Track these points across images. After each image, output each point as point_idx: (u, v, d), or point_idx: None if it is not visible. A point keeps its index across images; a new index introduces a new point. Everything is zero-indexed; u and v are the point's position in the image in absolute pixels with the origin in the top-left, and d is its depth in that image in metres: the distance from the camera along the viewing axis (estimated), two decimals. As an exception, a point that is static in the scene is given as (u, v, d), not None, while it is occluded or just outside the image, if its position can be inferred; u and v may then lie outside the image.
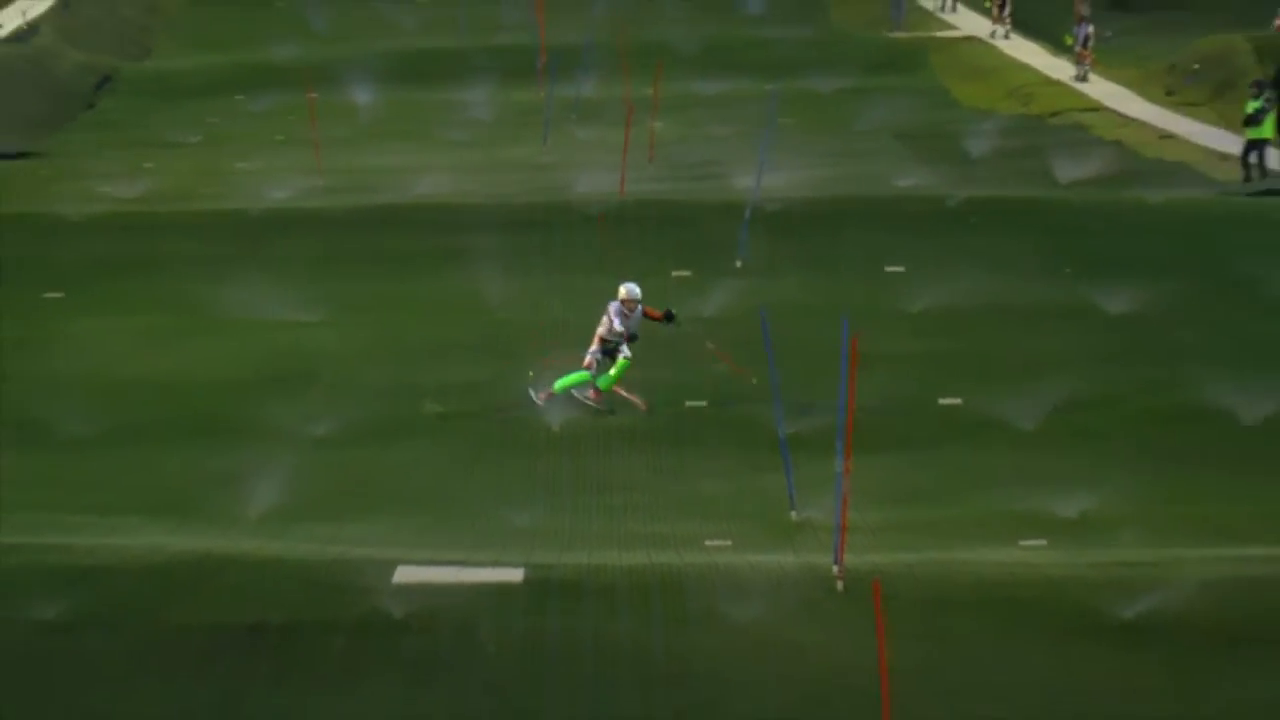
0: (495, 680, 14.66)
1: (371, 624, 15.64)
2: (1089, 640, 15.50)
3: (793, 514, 19.52)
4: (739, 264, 29.14)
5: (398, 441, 22.84)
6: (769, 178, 32.35)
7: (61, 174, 38.79)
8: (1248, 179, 34.54)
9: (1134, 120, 41.61)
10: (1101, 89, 44.46)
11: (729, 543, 18.83)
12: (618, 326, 21.69)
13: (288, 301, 27.39)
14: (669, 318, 22.71)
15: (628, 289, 21.75)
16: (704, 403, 23.67)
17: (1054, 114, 43.07)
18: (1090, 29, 46.25)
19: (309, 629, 15.66)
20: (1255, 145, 34.64)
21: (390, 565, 16.85)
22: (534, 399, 21.79)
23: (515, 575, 16.56)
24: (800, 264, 29.60)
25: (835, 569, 16.60)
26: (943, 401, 23.84)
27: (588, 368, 21.67)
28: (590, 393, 21.84)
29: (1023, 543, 18.77)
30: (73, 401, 23.65)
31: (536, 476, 21.53)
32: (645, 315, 22.59)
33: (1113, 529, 19.47)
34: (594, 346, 21.69)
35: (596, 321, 23.92)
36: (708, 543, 18.65)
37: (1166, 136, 39.95)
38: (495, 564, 17.02)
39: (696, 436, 22.82)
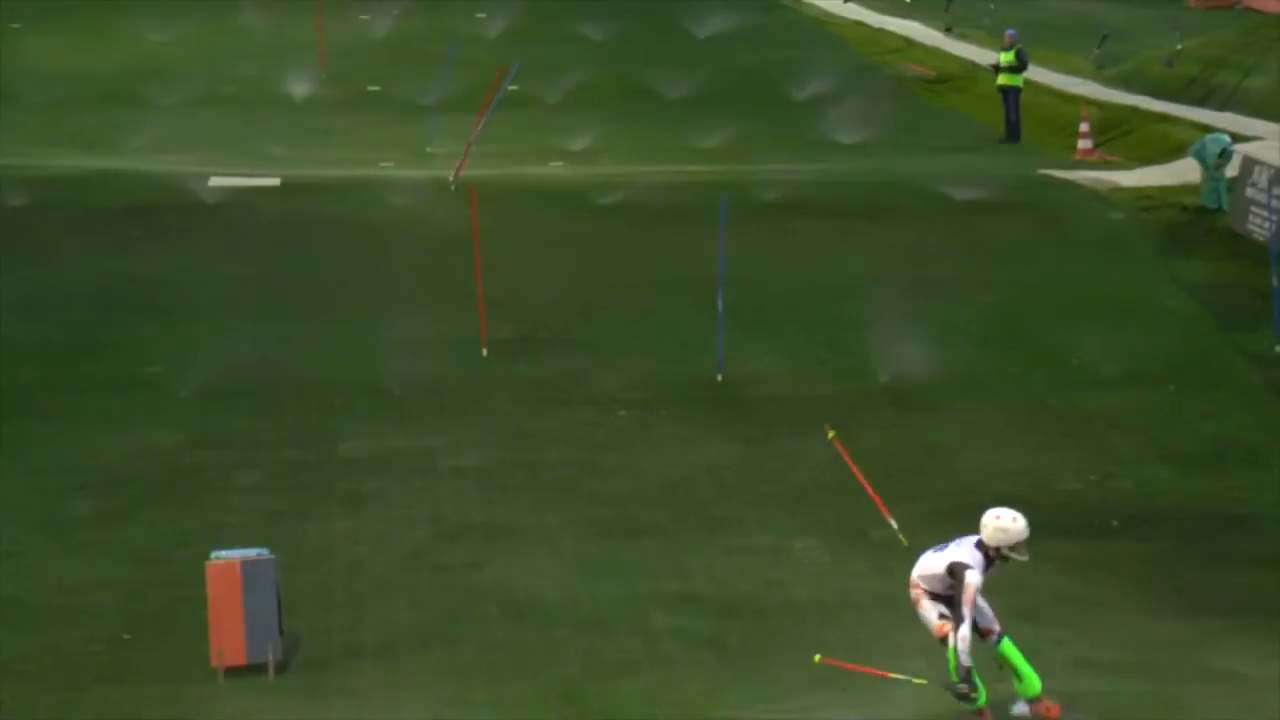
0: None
1: (196, 208, 24.96)
2: (585, 215, 25.29)
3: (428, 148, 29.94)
4: (395, 13, 42.94)
5: (212, 107, 33.60)
6: None
7: None
8: None
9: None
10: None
11: (393, 164, 29.23)
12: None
13: (150, 28, 39.96)
14: None
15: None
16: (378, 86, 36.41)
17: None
18: None
19: (160, 210, 24.69)
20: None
21: (207, 176, 26.53)
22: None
23: (274, 181, 26.30)
24: (428, 11, 42.15)
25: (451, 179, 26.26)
26: (509, 87, 31.14)
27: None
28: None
29: (551, 164, 29.78)
30: (29, 84, 34.18)
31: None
32: None
33: (599, 156, 30.18)
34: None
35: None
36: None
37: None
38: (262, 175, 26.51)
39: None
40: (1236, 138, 27.80)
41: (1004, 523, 11.38)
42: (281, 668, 12.82)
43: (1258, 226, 24.28)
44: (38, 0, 43.69)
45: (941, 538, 11.91)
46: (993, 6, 46.25)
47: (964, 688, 11.27)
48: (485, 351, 19.95)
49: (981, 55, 39.19)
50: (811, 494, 16.48)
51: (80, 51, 39.58)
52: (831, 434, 15.11)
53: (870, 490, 15.02)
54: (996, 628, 11.47)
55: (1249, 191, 24.91)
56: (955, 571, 11.26)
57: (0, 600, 14.19)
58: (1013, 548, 11.37)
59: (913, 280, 22.56)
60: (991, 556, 11.39)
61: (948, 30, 44.45)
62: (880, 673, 11.84)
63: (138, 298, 21.64)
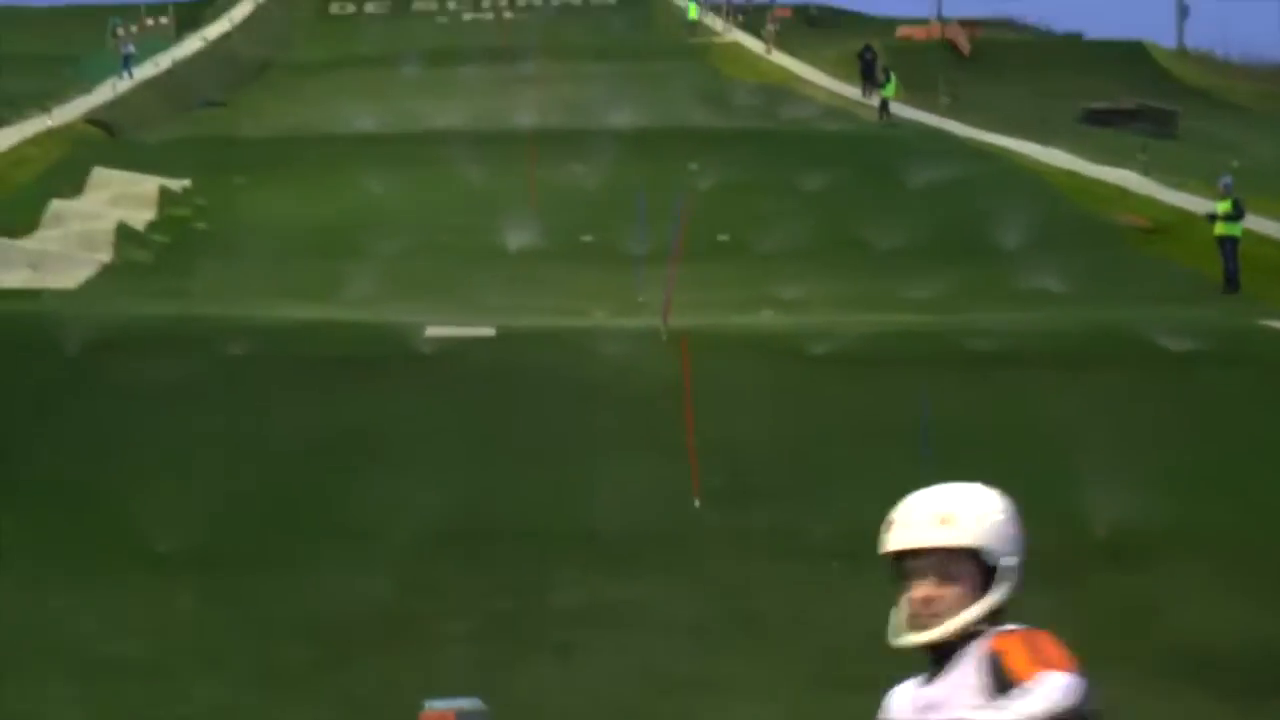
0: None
1: (410, 358, 25.37)
2: (796, 365, 25.05)
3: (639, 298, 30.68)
4: (609, 162, 43.76)
5: (428, 257, 34.91)
6: (621, 116, 50.17)
7: (245, 114, 58.81)
8: (881, 118, 54.88)
9: (819, 86, 65.00)
10: (801, 69, 68.98)
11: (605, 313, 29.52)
12: None
13: (368, 181, 41.11)
14: None
15: None
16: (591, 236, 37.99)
17: (779, 83, 66.12)
18: (775, 27, 77.60)
19: (374, 360, 25.10)
20: (885, 100, 56.18)
21: (422, 326, 27.09)
22: None
23: (489, 331, 26.79)
24: (637, 160, 43.42)
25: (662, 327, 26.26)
26: (720, 237, 36.57)
27: None
28: None
29: (763, 313, 30.14)
30: (252, 236, 35.26)
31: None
32: None
33: (810, 305, 30.43)
34: None
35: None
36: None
37: (840, 97, 61.46)
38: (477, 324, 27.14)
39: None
40: None
41: None
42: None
43: None
44: (261, 155, 45.70)
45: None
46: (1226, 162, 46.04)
47: None
48: (697, 501, 19.90)
49: (1198, 204, 38.83)
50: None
51: (301, 204, 40.84)
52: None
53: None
54: None
55: None
56: None
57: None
58: None
59: (1126, 430, 22.22)
60: None
61: (1146, 174, 44.33)
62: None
63: (352, 446, 21.82)
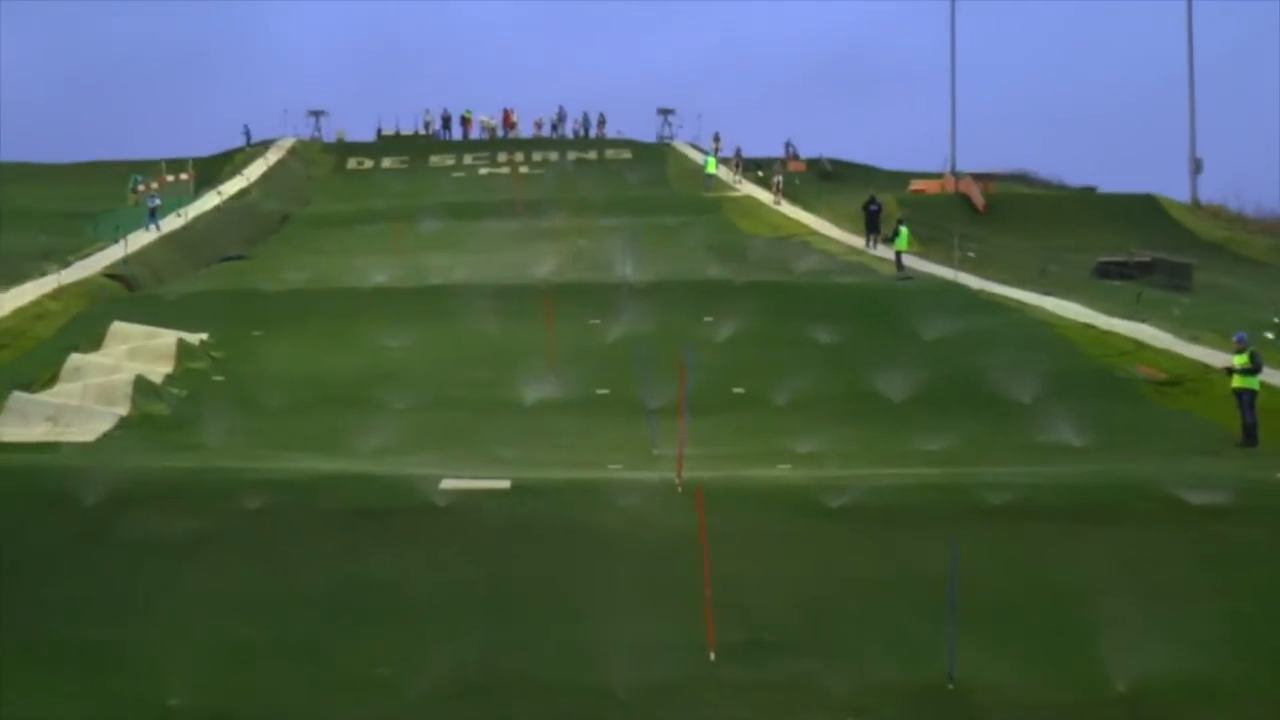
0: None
1: (426, 510, 25.10)
2: (813, 519, 24.74)
3: (654, 450, 30.37)
4: (624, 316, 43.97)
5: (443, 410, 34.74)
6: (636, 269, 50.73)
7: (263, 268, 58.92)
8: (898, 271, 54.83)
9: (833, 239, 65.07)
10: (815, 222, 70.69)
11: (620, 466, 29.01)
12: None
13: (384, 334, 41.61)
14: None
15: None
16: (607, 389, 36.99)
17: (792, 236, 66.43)
18: (780, 179, 79.58)
19: (391, 512, 24.95)
20: (899, 254, 56.03)
21: (438, 478, 26.75)
22: None
23: (505, 483, 26.44)
24: (658, 318, 43.62)
25: (677, 480, 26.27)
26: (735, 390, 36.65)
27: None
28: None
29: (779, 466, 29.27)
30: (269, 389, 35.55)
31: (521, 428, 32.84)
32: None
33: (826, 458, 30.02)
34: None
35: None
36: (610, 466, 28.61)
37: (853, 250, 61.28)
38: (492, 477, 26.69)
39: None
40: None
41: None
42: None
43: None
44: (279, 308, 45.97)
45: None
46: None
47: None
48: (713, 655, 19.73)
49: (1214, 357, 38.81)
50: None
51: (318, 356, 40.99)
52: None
53: None
54: None
55: None
56: None
57: None
58: None
59: (1147, 585, 22.06)
60: None
61: (1143, 320, 44.42)
62: None
63: (368, 599, 21.73)
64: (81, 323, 45.16)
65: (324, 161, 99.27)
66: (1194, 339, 42.96)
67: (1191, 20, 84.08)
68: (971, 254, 59.91)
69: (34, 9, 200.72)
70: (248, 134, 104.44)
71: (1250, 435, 32.45)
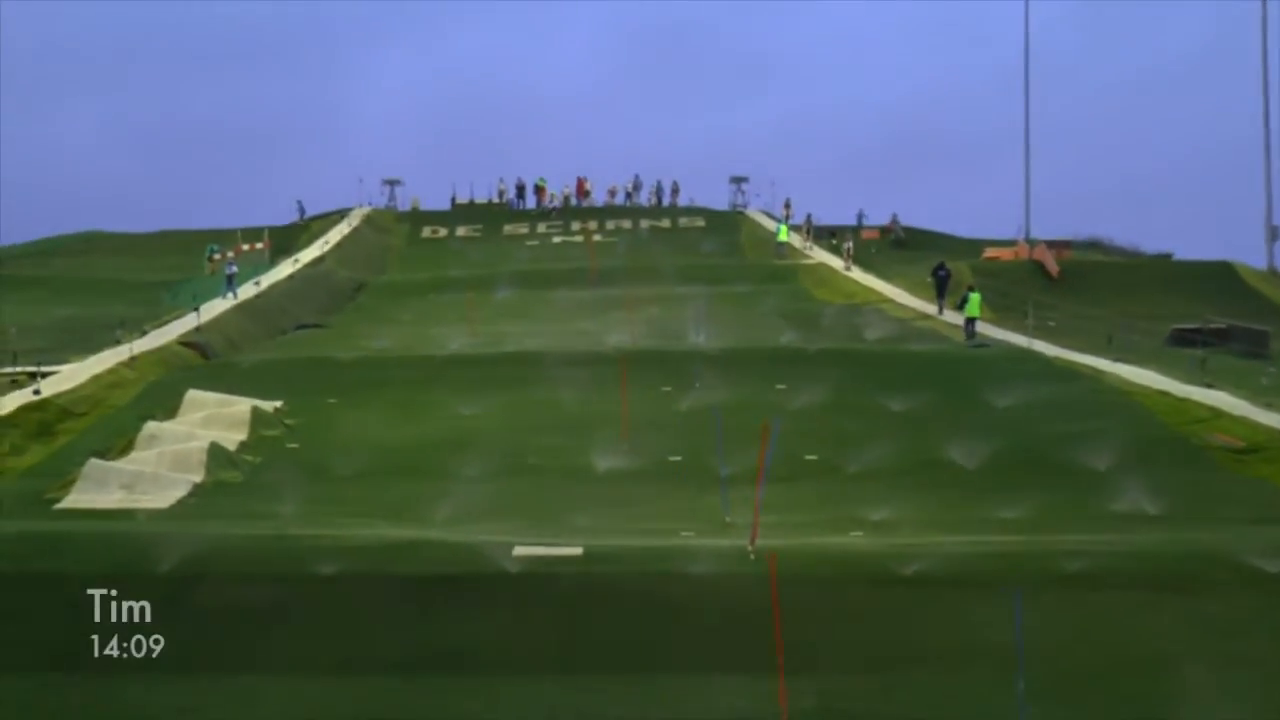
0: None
1: (498, 577, 24.88)
2: (885, 587, 24.53)
3: (726, 518, 30.44)
4: (697, 385, 43.97)
5: (516, 478, 34.85)
6: (709, 338, 50.99)
7: (338, 336, 59.45)
8: (969, 339, 54.59)
9: (907, 307, 64.88)
10: (888, 290, 70.65)
11: (692, 533, 29.09)
12: None
13: (458, 402, 41.62)
14: None
15: None
16: (680, 457, 37.33)
17: (865, 303, 66.40)
18: (850, 245, 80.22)
19: (463, 580, 24.69)
20: (970, 320, 55.56)
21: (510, 545, 26.69)
22: None
23: (577, 550, 26.48)
24: (731, 385, 43.41)
25: (750, 547, 26.32)
26: (807, 457, 36.51)
27: None
28: None
29: (851, 533, 29.22)
30: (343, 456, 35.68)
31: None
32: None
33: (898, 526, 29.90)
34: None
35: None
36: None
37: (925, 315, 61.74)
38: (565, 544, 26.74)
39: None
40: None
41: None
42: None
43: None
44: (353, 376, 46.08)
45: None
46: None
47: None
48: (786, 724, 19.66)
49: (1292, 426, 38.52)
50: None
51: (392, 424, 40.95)
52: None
53: None
54: None
55: None
56: None
57: None
58: None
59: (1225, 656, 21.84)
60: None
61: (1209, 385, 44.13)
62: None
63: (442, 666, 21.72)
64: (157, 390, 45.36)
65: (399, 230, 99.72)
66: (1269, 406, 42.58)
67: (1267, 88, 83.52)
68: (1051, 323, 59.55)
69: (115, 82, 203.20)
70: (301, 209, 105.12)
71: (1328, 504, 32.09)
